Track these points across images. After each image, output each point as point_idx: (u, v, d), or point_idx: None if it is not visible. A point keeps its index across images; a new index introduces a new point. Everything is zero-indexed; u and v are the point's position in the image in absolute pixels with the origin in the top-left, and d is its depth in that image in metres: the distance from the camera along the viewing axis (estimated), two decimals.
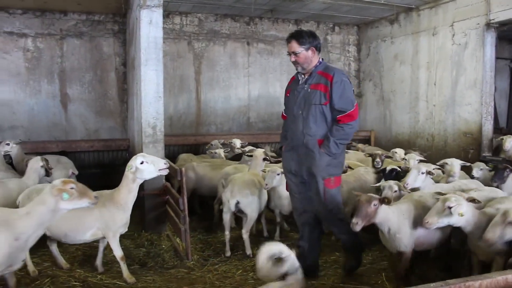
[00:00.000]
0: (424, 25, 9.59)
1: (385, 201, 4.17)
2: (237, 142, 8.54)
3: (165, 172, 4.70)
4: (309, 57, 4.52)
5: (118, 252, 4.77)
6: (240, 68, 10.73)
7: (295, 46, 4.49)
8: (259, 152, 6.54)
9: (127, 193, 4.64)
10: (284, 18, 11.03)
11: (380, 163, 6.86)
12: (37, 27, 9.41)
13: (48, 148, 8.33)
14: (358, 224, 4.05)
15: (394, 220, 4.30)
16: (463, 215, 3.93)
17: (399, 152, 7.66)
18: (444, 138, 9.09)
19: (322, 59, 4.67)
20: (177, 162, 7.98)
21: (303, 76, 4.65)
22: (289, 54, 4.57)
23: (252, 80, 10.87)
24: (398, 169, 6.04)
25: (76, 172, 7.16)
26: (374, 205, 4.11)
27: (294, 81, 4.84)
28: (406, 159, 6.77)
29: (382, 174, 6.11)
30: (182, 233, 5.48)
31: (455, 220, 3.97)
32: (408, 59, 10.13)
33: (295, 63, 4.56)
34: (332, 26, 11.70)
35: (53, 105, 9.63)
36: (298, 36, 4.51)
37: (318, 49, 4.59)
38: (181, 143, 9.49)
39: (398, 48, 10.48)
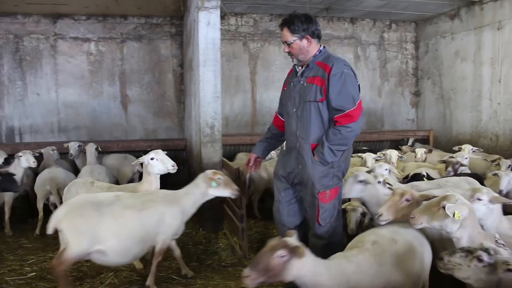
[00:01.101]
0: (488, 19, 9.16)
1: (298, 252, 2.73)
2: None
3: (173, 171, 4.94)
4: (304, 47, 3.76)
5: None
6: None
7: (287, 35, 3.78)
8: None
9: (147, 186, 4.94)
10: (340, 17, 10.89)
11: (451, 172, 6.08)
12: (99, 31, 9.82)
13: (109, 148, 8.64)
14: (250, 279, 2.67)
15: None
16: (459, 218, 3.11)
17: (466, 148, 7.34)
18: (510, 138, 8.65)
19: (324, 47, 3.91)
20: (235, 161, 8.04)
21: (300, 67, 3.92)
22: (284, 44, 3.88)
23: None
24: (425, 173, 5.56)
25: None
26: (281, 256, 2.70)
27: (292, 73, 4.10)
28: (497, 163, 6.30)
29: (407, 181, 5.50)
30: (239, 232, 5.52)
31: (450, 226, 3.18)
32: (470, 55, 9.71)
33: (289, 54, 3.87)
34: (388, 23, 11.43)
35: (114, 106, 10.01)
36: (289, 23, 3.77)
37: (316, 36, 3.82)
38: (237, 143, 9.57)
39: (459, 45, 10.07)
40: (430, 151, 7.79)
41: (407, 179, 5.59)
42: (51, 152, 7.42)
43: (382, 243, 3.23)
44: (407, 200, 3.63)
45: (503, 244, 2.71)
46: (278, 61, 10.55)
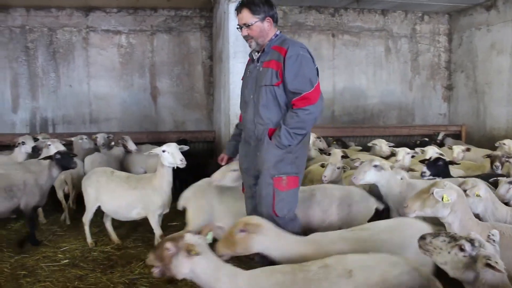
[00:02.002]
0: None
1: (186, 249, 2.64)
2: (312, 137, 7.72)
3: (181, 165, 4.90)
4: (265, 29, 3.58)
5: (157, 231, 5.10)
6: (325, 60, 10.56)
7: (247, 16, 3.55)
8: (338, 151, 6.32)
9: (160, 177, 5.00)
10: (370, 9, 10.70)
11: (500, 167, 5.65)
12: (130, 24, 9.93)
13: (139, 139, 8.70)
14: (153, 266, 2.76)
15: None
16: (448, 201, 3.24)
17: (508, 143, 7.03)
18: None
19: (280, 31, 3.74)
20: None
21: (256, 53, 3.72)
22: (240, 27, 3.64)
23: (337, 72, 10.68)
24: (445, 158, 5.25)
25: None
26: (167, 249, 2.69)
27: (249, 62, 3.94)
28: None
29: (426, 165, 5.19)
30: None
31: (441, 211, 3.30)
32: (507, 48, 9.41)
33: (247, 37, 3.61)
34: (421, 15, 11.18)
35: (144, 98, 10.13)
36: (250, 4, 3.56)
37: (275, 19, 3.67)
38: None
39: (495, 37, 9.78)
40: (468, 149, 7.13)
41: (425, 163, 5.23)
42: (80, 141, 7.56)
43: (331, 271, 2.65)
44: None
45: (493, 241, 2.54)
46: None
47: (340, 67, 10.70)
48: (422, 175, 5.01)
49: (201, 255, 2.65)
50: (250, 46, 3.65)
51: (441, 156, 5.33)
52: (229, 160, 4.28)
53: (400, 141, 9.27)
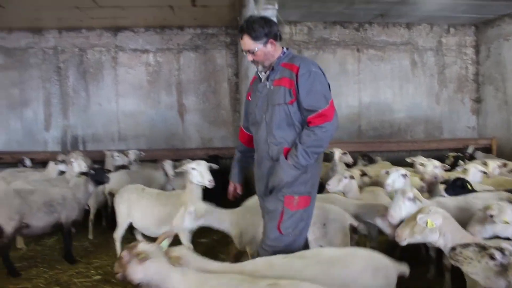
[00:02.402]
0: None
1: (137, 256, 2.81)
2: (337, 152, 7.54)
3: (210, 186, 4.92)
4: (270, 52, 3.47)
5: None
6: (350, 75, 10.57)
7: (249, 43, 3.45)
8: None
9: (189, 194, 5.03)
10: (395, 22, 10.67)
11: None
12: (157, 42, 10.17)
13: (167, 156, 8.79)
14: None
15: None
16: (433, 226, 3.27)
17: None
18: None
19: (287, 48, 3.61)
20: None
21: (263, 72, 3.61)
22: (245, 53, 3.56)
23: (362, 87, 10.66)
24: (467, 179, 4.94)
25: None
26: (123, 258, 2.85)
27: (255, 80, 3.78)
28: None
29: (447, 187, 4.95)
30: None
31: (430, 236, 3.32)
32: None
33: (253, 62, 3.55)
34: (446, 27, 11.08)
35: (171, 115, 10.31)
36: (250, 30, 3.44)
37: (278, 38, 3.54)
38: None
39: None
40: (505, 164, 6.74)
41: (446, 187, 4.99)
42: (111, 158, 7.76)
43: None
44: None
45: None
46: (333, 69, 10.47)
47: (365, 82, 10.68)
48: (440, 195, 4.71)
49: (151, 259, 2.80)
50: (257, 69, 3.57)
51: (460, 177, 5.07)
52: (236, 187, 4.06)
53: (429, 156, 9.12)
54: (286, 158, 3.36)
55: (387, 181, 5.02)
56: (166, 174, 7.52)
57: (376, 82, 10.74)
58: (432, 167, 5.57)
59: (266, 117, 3.48)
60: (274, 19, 6.67)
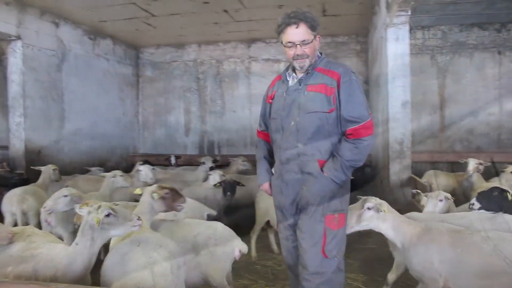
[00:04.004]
0: None
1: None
2: (472, 162, 6.67)
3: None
4: (317, 48, 3.16)
5: None
6: (489, 80, 9.90)
7: (306, 32, 3.05)
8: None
9: None
10: None
11: None
12: None
13: None
14: None
15: None
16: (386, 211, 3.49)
17: None
18: None
19: (320, 53, 3.24)
20: (423, 178, 7.74)
21: (294, 75, 3.25)
22: (291, 44, 3.11)
23: (504, 93, 9.90)
24: (507, 189, 4.23)
25: None
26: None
27: (279, 82, 3.39)
28: None
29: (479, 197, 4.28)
30: None
31: (376, 222, 3.52)
32: None
33: (303, 56, 3.09)
34: None
35: None
36: (308, 18, 3.07)
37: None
38: (424, 160, 9.21)
39: None
40: None
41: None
42: (240, 164, 8.30)
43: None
44: None
45: None
46: (469, 74, 9.91)
47: (507, 87, 9.90)
48: (470, 207, 4.18)
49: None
50: (301, 67, 3.16)
51: (499, 186, 4.40)
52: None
53: None
54: (322, 171, 3.08)
55: None
56: None
57: None
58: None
59: (297, 124, 3.14)
60: (407, 26, 6.64)
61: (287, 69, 3.30)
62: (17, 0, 7.50)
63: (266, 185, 3.51)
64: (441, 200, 4.59)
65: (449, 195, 4.70)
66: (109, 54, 10.29)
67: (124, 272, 2.95)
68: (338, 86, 3.03)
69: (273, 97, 3.35)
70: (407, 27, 6.68)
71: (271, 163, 3.51)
